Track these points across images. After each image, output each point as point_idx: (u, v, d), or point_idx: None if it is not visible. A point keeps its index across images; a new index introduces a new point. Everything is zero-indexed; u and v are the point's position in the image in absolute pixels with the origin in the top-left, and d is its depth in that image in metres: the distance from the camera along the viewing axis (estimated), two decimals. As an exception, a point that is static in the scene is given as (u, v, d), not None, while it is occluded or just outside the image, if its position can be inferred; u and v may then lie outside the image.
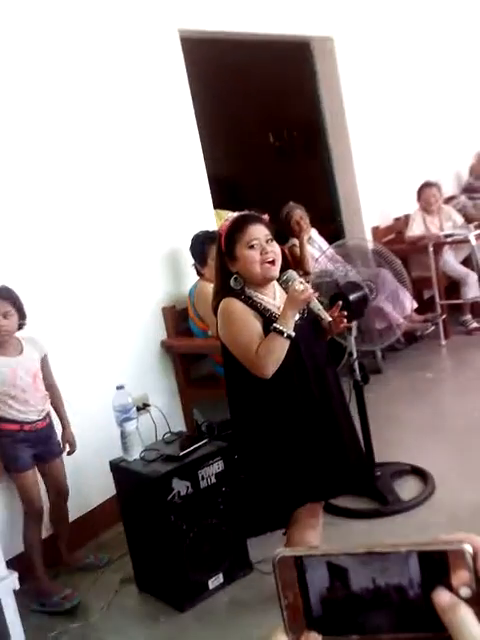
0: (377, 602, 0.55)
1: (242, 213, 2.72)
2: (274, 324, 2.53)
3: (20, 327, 3.28)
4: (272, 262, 2.60)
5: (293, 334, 2.52)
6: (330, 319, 2.67)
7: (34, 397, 3.27)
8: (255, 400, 2.67)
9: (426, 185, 6.44)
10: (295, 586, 0.57)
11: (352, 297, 3.69)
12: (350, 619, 0.56)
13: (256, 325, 2.58)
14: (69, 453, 3.47)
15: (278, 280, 2.69)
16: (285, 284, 2.65)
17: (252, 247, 2.58)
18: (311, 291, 2.58)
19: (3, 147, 3.60)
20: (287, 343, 2.52)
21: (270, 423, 2.66)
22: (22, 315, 3.27)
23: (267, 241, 2.61)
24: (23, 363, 3.26)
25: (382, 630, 0.55)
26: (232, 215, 2.71)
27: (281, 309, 2.61)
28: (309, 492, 2.70)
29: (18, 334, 3.29)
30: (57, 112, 3.88)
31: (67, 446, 3.46)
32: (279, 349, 2.52)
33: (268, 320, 2.58)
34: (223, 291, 2.67)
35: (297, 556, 0.57)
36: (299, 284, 2.58)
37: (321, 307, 2.67)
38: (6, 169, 3.61)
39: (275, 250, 2.61)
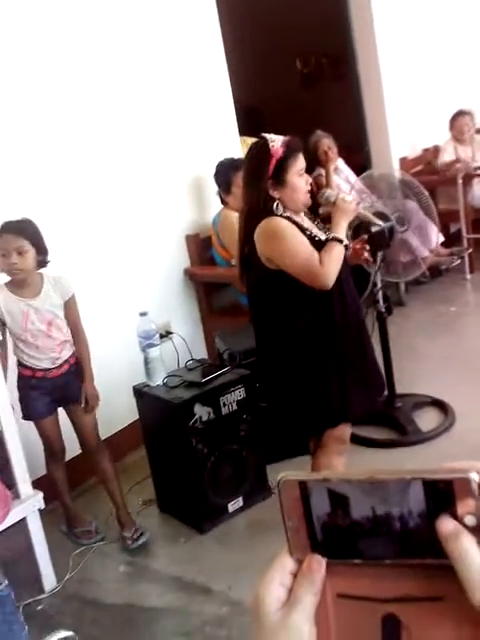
0: (378, 530, 0.55)
1: (289, 138, 2.67)
2: (332, 234, 2.61)
3: (41, 264, 2.98)
4: (310, 192, 2.67)
5: (349, 243, 2.59)
6: (381, 223, 2.75)
7: (46, 344, 3.02)
8: (292, 322, 2.67)
9: (459, 113, 6.29)
10: (299, 509, 0.57)
11: (374, 229, 3.65)
12: (351, 545, 0.56)
13: (306, 240, 2.61)
14: (87, 410, 3.16)
15: (316, 202, 2.75)
16: (326, 201, 2.68)
17: (301, 176, 2.64)
18: (357, 202, 2.64)
19: (30, 78, 3.55)
20: (343, 252, 2.59)
21: (307, 342, 2.67)
22: (41, 250, 2.94)
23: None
24: (37, 307, 2.98)
25: (384, 556, 0.55)
26: (280, 138, 2.66)
27: (313, 228, 2.67)
28: (341, 412, 2.74)
29: (44, 272, 3.02)
30: (83, 40, 3.81)
31: (84, 401, 3.15)
32: (340, 258, 2.59)
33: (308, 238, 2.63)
34: (264, 211, 2.65)
35: (301, 480, 0.57)
36: (347, 195, 2.65)
37: (370, 214, 2.73)
38: (32, 99, 3.57)
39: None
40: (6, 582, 2.06)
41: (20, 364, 3.08)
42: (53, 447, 3.21)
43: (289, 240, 2.58)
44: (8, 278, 2.99)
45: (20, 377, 3.10)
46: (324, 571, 0.57)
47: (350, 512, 0.55)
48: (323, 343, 2.67)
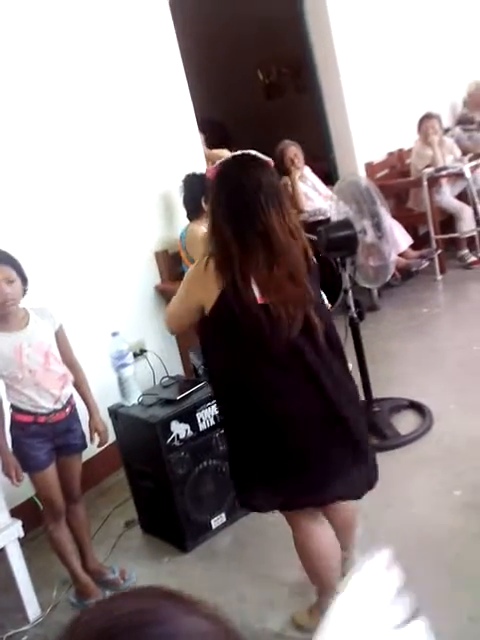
0: None
1: (237, 154, 2.32)
2: None
3: (24, 294, 2.76)
4: None
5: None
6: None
7: (46, 379, 2.74)
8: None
9: (426, 117, 6.39)
10: None
11: (332, 236, 3.67)
12: None
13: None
14: (99, 445, 3.02)
15: None
16: None
17: None
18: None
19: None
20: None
21: (237, 418, 2.35)
22: (25, 280, 2.73)
23: None
24: (29, 338, 2.72)
25: None
26: (223, 160, 2.32)
27: None
28: (241, 496, 2.46)
29: (25, 305, 2.79)
30: (44, 61, 3.80)
31: (96, 437, 2.97)
32: (180, 313, 2.40)
33: None
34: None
35: None
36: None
37: None
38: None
39: None
40: None
41: (17, 410, 2.78)
42: (55, 503, 2.88)
43: (186, 279, 2.36)
44: None
45: (17, 425, 2.79)
46: None
47: None
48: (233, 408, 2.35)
